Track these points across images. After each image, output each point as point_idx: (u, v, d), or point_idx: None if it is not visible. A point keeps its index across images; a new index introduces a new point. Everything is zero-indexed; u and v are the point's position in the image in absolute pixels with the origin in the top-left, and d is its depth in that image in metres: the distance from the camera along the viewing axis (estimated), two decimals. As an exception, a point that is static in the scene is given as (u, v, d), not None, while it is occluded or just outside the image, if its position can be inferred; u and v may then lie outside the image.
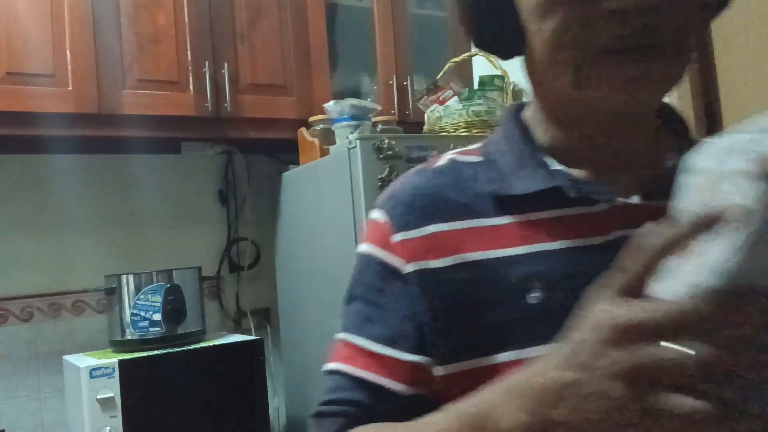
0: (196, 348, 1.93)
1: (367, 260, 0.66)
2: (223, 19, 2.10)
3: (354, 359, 0.64)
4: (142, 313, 1.94)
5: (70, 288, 2.17)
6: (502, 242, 0.61)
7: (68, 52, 1.87)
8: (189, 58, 2.03)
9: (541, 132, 0.66)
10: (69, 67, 1.86)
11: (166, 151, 2.28)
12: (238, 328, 2.40)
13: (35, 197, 2.14)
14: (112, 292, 1.97)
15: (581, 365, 0.43)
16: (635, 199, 0.61)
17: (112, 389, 1.75)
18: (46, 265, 2.15)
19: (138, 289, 1.96)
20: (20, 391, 2.08)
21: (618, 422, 0.41)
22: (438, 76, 2.35)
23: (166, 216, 2.34)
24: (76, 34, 1.87)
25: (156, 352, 1.87)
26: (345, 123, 2.01)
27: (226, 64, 2.07)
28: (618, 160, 0.63)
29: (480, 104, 2.16)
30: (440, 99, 2.24)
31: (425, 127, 2.26)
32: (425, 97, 2.29)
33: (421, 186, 0.66)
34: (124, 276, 1.97)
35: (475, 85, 2.34)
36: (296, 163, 2.19)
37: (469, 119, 2.15)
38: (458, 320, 0.61)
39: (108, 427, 1.74)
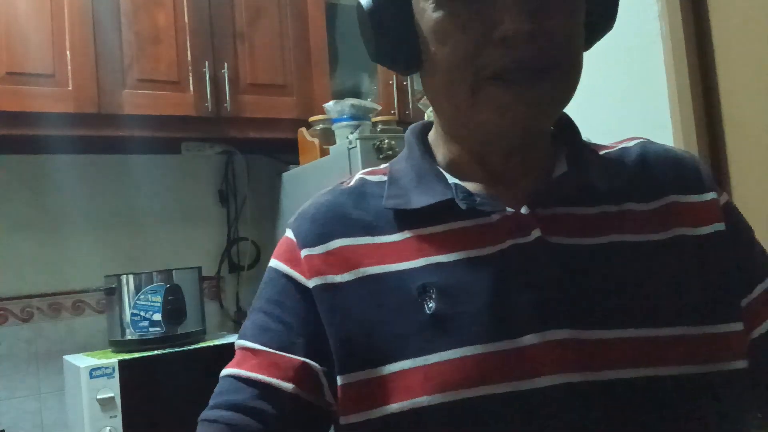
0: (196, 348, 1.93)
1: (273, 274, 0.69)
2: (223, 19, 2.10)
3: (244, 362, 0.66)
4: (142, 313, 1.94)
5: (70, 288, 2.17)
6: (399, 256, 0.63)
7: (68, 52, 1.87)
8: (189, 58, 2.03)
9: (441, 148, 0.69)
10: (69, 67, 1.86)
11: (166, 151, 2.28)
12: (238, 328, 2.39)
13: (35, 197, 2.14)
14: (112, 292, 1.97)
15: None
16: (524, 209, 0.63)
17: (112, 389, 1.75)
18: (46, 265, 2.15)
19: (138, 289, 1.96)
20: (20, 391, 2.08)
21: None
22: (438, 76, 2.35)
23: (166, 216, 2.34)
24: (76, 34, 1.87)
25: (156, 352, 1.87)
26: (345, 123, 2.01)
27: (226, 64, 2.07)
28: (509, 172, 0.66)
29: (480, 104, 2.16)
30: (440, 99, 2.24)
31: (425, 127, 2.26)
32: (425, 97, 2.29)
33: (326, 204, 0.69)
34: (124, 276, 1.97)
35: (475, 85, 2.34)
36: (296, 163, 2.19)
37: (469, 119, 2.15)
38: (357, 332, 0.62)
39: (108, 427, 1.74)
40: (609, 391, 0.56)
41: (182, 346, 1.92)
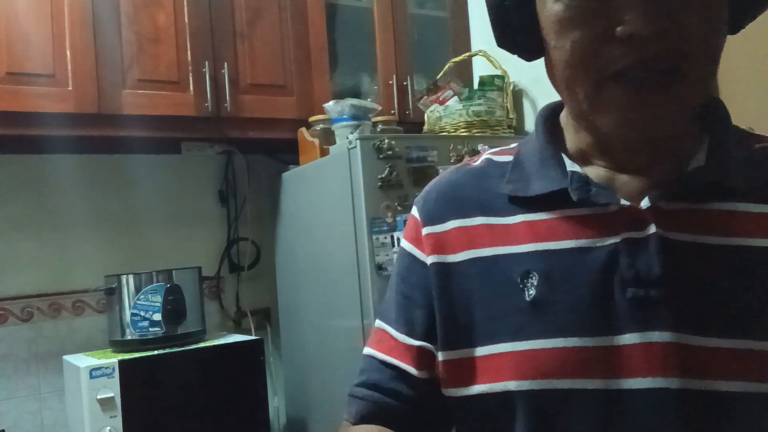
0: (196, 348, 1.93)
1: (402, 252, 0.73)
2: (223, 19, 2.10)
3: (380, 344, 0.72)
4: (142, 313, 1.94)
5: (70, 288, 2.17)
6: (510, 239, 0.64)
7: (68, 52, 1.87)
8: (189, 58, 2.03)
9: (570, 131, 0.68)
10: (69, 67, 1.86)
11: (166, 151, 2.28)
12: (238, 328, 2.40)
13: (35, 197, 2.14)
14: (112, 292, 1.97)
15: None
16: (645, 202, 0.60)
17: (112, 389, 1.75)
18: (46, 265, 2.15)
19: (138, 289, 1.96)
20: (20, 391, 2.08)
21: None
22: (438, 76, 2.35)
23: (166, 216, 2.34)
24: (76, 34, 1.87)
25: (156, 352, 1.87)
26: (345, 123, 2.01)
27: (226, 64, 2.07)
28: (636, 162, 0.63)
29: (480, 104, 2.16)
30: (440, 99, 2.24)
31: (425, 127, 2.26)
32: (425, 97, 2.29)
33: (448, 183, 0.72)
34: (124, 276, 1.97)
35: (475, 85, 2.34)
36: (296, 163, 2.19)
37: (469, 119, 2.15)
38: (460, 311, 0.65)
39: (108, 427, 1.74)
40: (708, 401, 0.54)
41: (182, 346, 1.92)
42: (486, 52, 2.35)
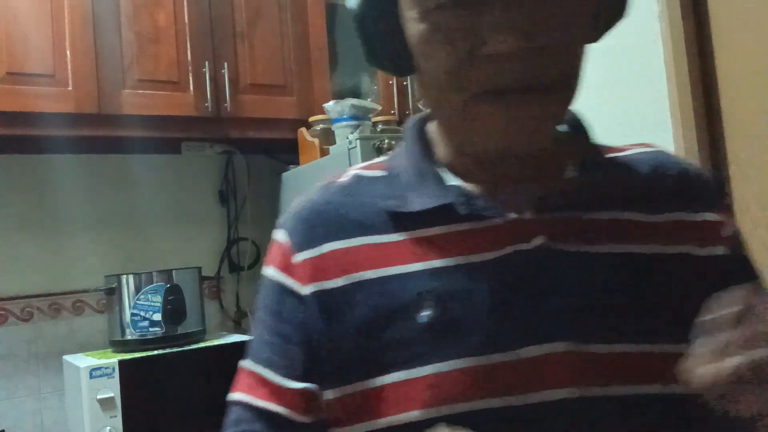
0: (196, 348, 1.93)
1: (268, 282, 0.66)
2: (223, 19, 2.10)
3: (254, 389, 0.64)
4: (142, 313, 1.94)
5: (70, 288, 2.17)
6: (396, 259, 0.60)
7: (68, 52, 1.87)
8: (189, 58, 2.03)
9: (441, 146, 0.66)
10: (69, 67, 1.86)
11: (166, 151, 2.28)
12: (238, 328, 2.40)
13: (35, 197, 2.14)
14: (112, 292, 1.97)
15: None
16: (529, 214, 0.60)
17: (112, 389, 1.75)
18: (46, 265, 2.15)
19: (138, 289, 1.96)
20: (20, 391, 2.08)
21: None
22: (438, 76, 2.35)
23: (166, 216, 2.34)
24: (76, 34, 1.87)
25: (156, 352, 1.87)
26: (345, 123, 2.01)
27: (226, 64, 2.07)
28: (513, 175, 0.62)
29: (480, 104, 2.16)
30: (440, 99, 2.23)
31: (425, 127, 2.26)
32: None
33: (318, 203, 0.66)
34: (124, 276, 1.97)
35: (475, 85, 2.34)
36: (296, 163, 2.19)
37: (469, 119, 2.15)
38: (350, 341, 0.59)
39: (108, 427, 1.74)
40: (611, 408, 0.54)
41: (182, 346, 1.92)
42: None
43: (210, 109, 2.03)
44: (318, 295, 0.61)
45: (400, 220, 0.62)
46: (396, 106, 2.34)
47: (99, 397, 1.73)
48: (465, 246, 0.60)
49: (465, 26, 0.54)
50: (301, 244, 0.63)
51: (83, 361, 1.83)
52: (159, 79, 1.99)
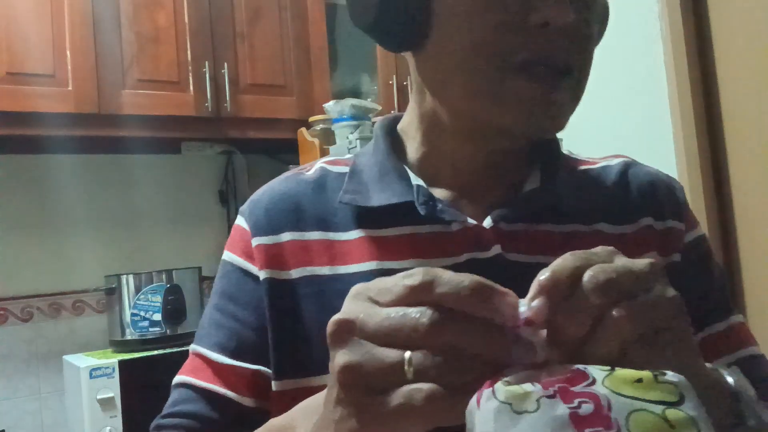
0: (196, 348, 1.93)
1: (228, 267, 0.65)
2: (223, 19, 2.10)
3: (199, 371, 0.62)
4: (142, 313, 1.94)
5: (70, 288, 2.17)
6: (349, 257, 0.59)
7: (68, 52, 1.87)
8: (189, 58, 2.03)
9: (412, 145, 0.64)
10: (69, 67, 1.86)
11: (166, 151, 2.28)
12: (238, 328, 2.40)
13: (35, 197, 2.14)
14: (112, 292, 1.97)
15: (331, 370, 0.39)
16: (488, 222, 0.58)
17: (112, 389, 1.75)
18: (46, 265, 2.15)
19: (138, 289, 1.96)
20: (20, 391, 2.08)
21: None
22: (438, 76, 2.35)
23: (166, 216, 2.34)
24: (76, 34, 1.87)
25: (156, 352, 1.87)
26: (345, 123, 2.01)
27: (226, 64, 2.07)
28: (479, 181, 0.61)
29: (480, 104, 2.16)
30: (440, 99, 2.24)
31: (425, 127, 2.26)
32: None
33: (281, 193, 0.64)
34: (124, 276, 1.97)
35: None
36: (296, 163, 2.19)
37: (469, 119, 2.15)
38: (298, 336, 0.58)
39: (108, 427, 1.74)
40: None
41: (182, 346, 1.92)
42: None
43: (210, 109, 2.03)
44: (271, 281, 0.60)
45: (359, 217, 0.61)
46: (396, 106, 2.34)
47: (99, 397, 1.73)
48: (422, 249, 0.58)
49: None
50: (259, 230, 0.62)
51: (83, 361, 1.83)
52: (159, 79, 1.99)
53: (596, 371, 0.33)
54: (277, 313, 0.59)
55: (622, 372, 0.32)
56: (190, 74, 2.03)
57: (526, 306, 0.36)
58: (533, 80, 0.52)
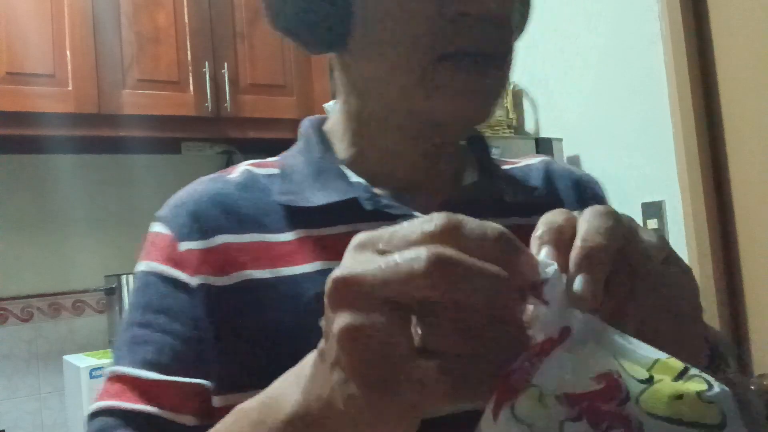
0: (196, 348, 1.93)
1: (147, 279, 0.60)
2: (223, 19, 2.10)
3: (123, 394, 0.54)
4: (142, 313, 1.94)
5: (70, 288, 2.17)
6: (290, 259, 0.56)
7: (68, 52, 1.87)
8: (189, 58, 2.03)
9: (342, 145, 0.63)
10: (69, 67, 1.86)
11: (166, 151, 2.28)
12: (238, 328, 2.40)
13: (35, 197, 2.14)
14: (112, 292, 1.97)
15: (324, 334, 0.36)
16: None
17: (112, 389, 1.75)
18: (46, 265, 2.15)
19: (138, 289, 1.96)
20: (20, 391, 2.08)
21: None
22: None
23: (166, 216, 2.34)
24: (76, 34, 1.88)
25: (156, 352, 1.87)
26: (345, 123, 2.01)
27: (226, 64, 2.07)
28: (418, 177, 0.61)
29: (480, 104, 2.16)
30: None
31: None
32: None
33: (209, 194, 0.60)
34: (124, 276, 1.97)
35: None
36: (296, 163, 2.19)
37: (469, 119, 2.14)
38: (240, 345, 0.54)
39: (108, 427, 1.74)
40: None
41: (182, 346, 1.92)
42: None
43: (210, 109, 2.03)
44: (205, 288, 0.56)
45: (295, 218, 0.58)
46: (396, 106, 2.34)
47: (99, 397, 1.73)
48: None
49: None
50: (187, 235, 0.58)
51: (83, 361, 1.83)
52: (159, 79, 1.99)
53: (633, 382, 0.30)
54: (215, 322, 0.55)
55: (661, 386, 0.30)
56: (190, 74, 2.03)
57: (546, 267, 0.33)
58: (459, 71, 0.53)
